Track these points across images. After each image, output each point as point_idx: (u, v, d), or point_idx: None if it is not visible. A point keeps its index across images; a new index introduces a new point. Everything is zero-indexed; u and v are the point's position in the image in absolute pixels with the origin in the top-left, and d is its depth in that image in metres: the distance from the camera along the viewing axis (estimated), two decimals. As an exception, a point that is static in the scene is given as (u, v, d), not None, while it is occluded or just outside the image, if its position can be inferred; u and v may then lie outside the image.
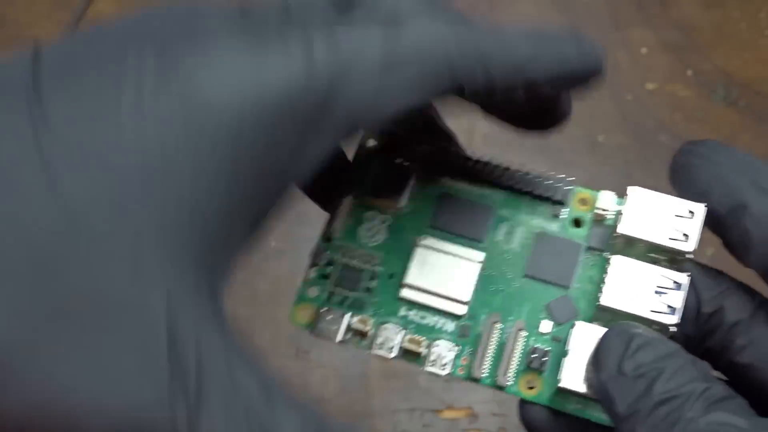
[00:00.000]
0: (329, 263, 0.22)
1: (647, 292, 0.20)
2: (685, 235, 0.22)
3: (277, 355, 0.43)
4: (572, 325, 0.20)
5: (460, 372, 0.22)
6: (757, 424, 0.17)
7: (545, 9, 0.52)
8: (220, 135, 0.14)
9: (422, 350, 0.21)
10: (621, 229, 0.21)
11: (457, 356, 0.22)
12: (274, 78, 0.15)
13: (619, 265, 0.20)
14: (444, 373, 0.22)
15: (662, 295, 0.20)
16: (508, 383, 0.21)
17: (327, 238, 0.22)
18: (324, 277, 0.22)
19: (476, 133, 0.49)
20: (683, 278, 0.21)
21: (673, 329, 0.20)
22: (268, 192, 0.16)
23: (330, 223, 0.22)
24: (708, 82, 0.50)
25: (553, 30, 0.19)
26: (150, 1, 0.53)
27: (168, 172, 0.14)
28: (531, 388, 0.21)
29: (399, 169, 0.23)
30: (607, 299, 0.20)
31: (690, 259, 0.22)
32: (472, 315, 0.21)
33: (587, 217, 0.22)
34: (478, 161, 0.24)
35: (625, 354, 0.18)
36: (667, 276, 0.20)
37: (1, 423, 0.14)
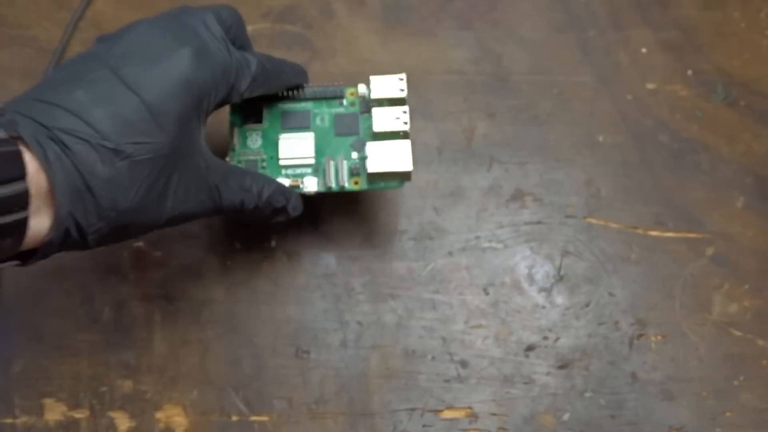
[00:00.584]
0: (238, 162, 0.42)
1: (391, 119, 0.41)
2: (401, 89, 0.42)
3: (277, 355, 0.43)
4: (365, 145, 0.42)
5: (321, 188, 0.41)
6: None
7: (545, 9, 0.52)
8: (190, 85, 0.33)
9: (299, 184, 0.41)
10: (373, 95, 0.42)
11: (318, 182, 0.42)
12: (217, 63, 0.35)
13: (377, 112, 0.41)
14: (313, 191, 0.41)
15: (398, 119, 0.41)
16: (345, 185, 0.41)
17: (232, 149, 0.42)
18: (239, 163, 0.42)
19: (476, 133, 0.49)
20: (405, 109, 0.42)
21: (406, 129, 0.41)
22: (204, 107, 0.35)
23: (231, 141, 0.43)
24: (708, 82, 0.50)
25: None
26: (149, 1, 0.53)
27: (175, 90, 0.33)
28: (356, 183, 0.41)
29: (257, 106, 0.43)
30: (376, 127, 0.41)
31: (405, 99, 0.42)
32: (317, 160, 0.42)
33: (356, 100, 0.43)
34: (295, 92, 0.43)
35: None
36: (401, 111, 0.41)
37: None
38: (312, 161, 0.42)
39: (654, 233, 0.46)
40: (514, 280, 0.45)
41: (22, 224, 0.29)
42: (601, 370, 0.43)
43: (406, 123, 0.41)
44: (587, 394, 0.43)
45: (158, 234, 0.46)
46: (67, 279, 0.45)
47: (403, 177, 0.41)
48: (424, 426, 0.42)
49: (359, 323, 0.44)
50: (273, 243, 0.46)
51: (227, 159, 0.42)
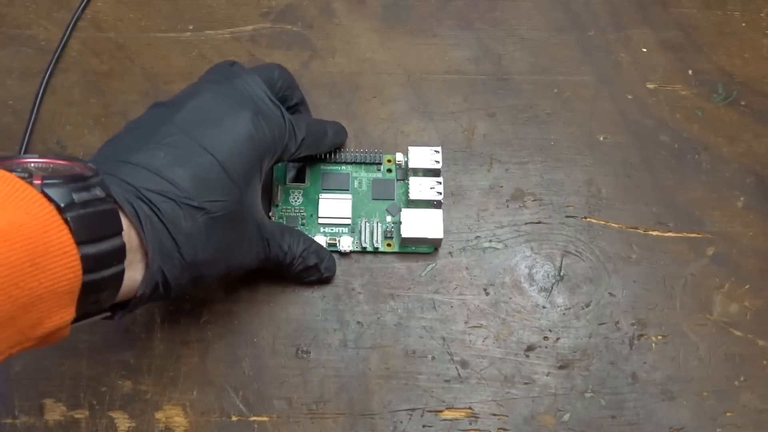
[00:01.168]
0: (280, 217, 0.45)
1: (426, 188, 0.45)
2: (436, 161, 0.45)
3: (277, 355, 0.43)
4: (400, 211, 0.45)
5: (356, 248, 0.45)
6: None
7: (545, 9, 0.52)
8: (254, 144, 0.36)
9: (335, 242, 0.45)
10: (410, 164, 0.45)
11: (353, 242, 0.45)
12: (274, 124, 0.38)
13: (414, 181, 0.45)
14: (348, 250, 0.45)
15: (433, 189, 0.45)
16: (379, 247, 0.45)
17: (275, 205, 0.46)
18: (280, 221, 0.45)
19: (476, 133, 0.49)
20: (440, 180, 0.45)
21: (440, 199, 0.45)
22: (264, 165, 0.38)
23: (274, 198, 0.46)
24: (708, 82, 0.50)
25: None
26: (149, 1, 0.53)
27: (242, 149, 0.36)
28: (389, 245, 0.45)
29: (301, 167, 0.46)
30: (412, 195, 0.45)
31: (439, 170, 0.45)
32: (353, 221, 0.45)
33: (393, 167, 0.47)
34: (336, 154, 0.46)
35: None
36: (435, 181, 0.45)
37: None
38: (349, 222, 0.45)
39: (654, 233, 0.46)
40: (514, 280, 0.45)
41: (119, 277, 0.30)
42: (601, 371, 0.43)
43: (440, 193, 0.44)
44: (587, 395, 0.43)
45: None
46: (66, 279, 0.44)
47: (433, 243, 0.45)
48: (424, 426, 0.42)
49: (359, 323, 0.44)
50: (273, 243, 0.46)
51: (270, 214, 0.45)
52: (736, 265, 0.46)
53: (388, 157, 0.47)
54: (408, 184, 0.45)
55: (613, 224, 0.46)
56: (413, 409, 0.42)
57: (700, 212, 0.47)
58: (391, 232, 0.45)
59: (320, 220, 0.45)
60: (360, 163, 0.46)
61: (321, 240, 0.44)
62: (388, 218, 0.45)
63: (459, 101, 0.49)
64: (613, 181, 0.48)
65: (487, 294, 0.45)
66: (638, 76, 0.50)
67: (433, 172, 0.45)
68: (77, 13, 0.51)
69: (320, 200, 0.45)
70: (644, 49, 0.51)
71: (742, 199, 0.47)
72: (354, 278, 0.45)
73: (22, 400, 0.42)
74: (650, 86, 0.50)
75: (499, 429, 0.42)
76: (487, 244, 0.46)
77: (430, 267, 0.45)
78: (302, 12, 0.52)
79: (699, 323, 0.44)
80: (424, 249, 0.45)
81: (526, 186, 0.47)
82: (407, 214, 0.44)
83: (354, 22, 0.52)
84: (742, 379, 0.43)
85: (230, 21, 0.51)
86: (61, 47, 0.50)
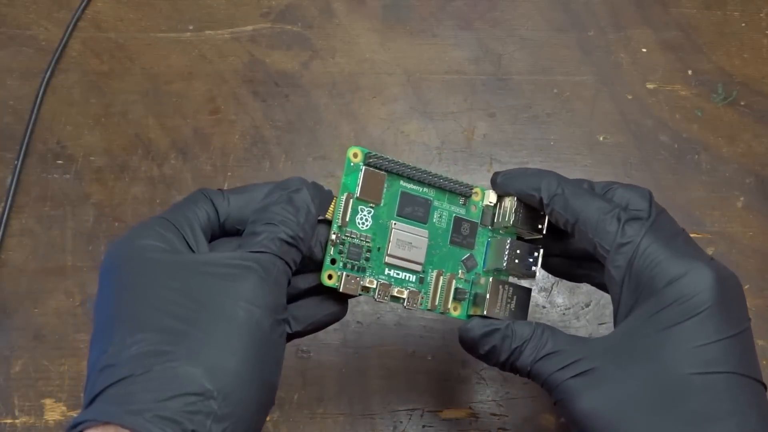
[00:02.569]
0: (342, 242, 0.33)
1: (522, 258, 0.35)
2: (540, 226, 0.36)
3: (277, 355, 0.43)
4: (478, 274, 0.36)
5: (424, 306, 0.35)
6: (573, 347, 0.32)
7: (545, 9, 0.52)
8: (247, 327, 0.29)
9: (403, 296, 0.35)
10: (508, 218, 0.36)
11: (420, 297, 0.35)
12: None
13: (513, 244, 0.35)
14: (414, 308, 0.35)
15: (532, 260, 0.36)
16: (447, 312, 0.35)
17: (337, 223, 0.34)
18: (339, 252, 0.34)
19: (476, 133, 0.49)
20: (540, 251, 0.36)
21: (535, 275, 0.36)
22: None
23: (338, 211, 0.34)
24: (708, 82, 0.50)
25: None
26: (149, 2, 0.53)
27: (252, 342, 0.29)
28: (455, 309, 0.36)
29: (379, 175, 0.35)
30: (507, 264, 0.35)
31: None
32: (423, 270, 0.35)
33: (479, 204, 0.36)
34: (418, 170, 0.35)
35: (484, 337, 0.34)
36: (536, 252, 0.36)
37: None
38: (419, 268, 0.35)
39: (654, 233, 0.46)
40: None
41: None
42: (601, 370, 0.43)
43: (535, 269, 0.35)
44: (587, 394, 0.43)
45: (158, 234, 0.46)
46: (67, 279, 0.45)
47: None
48: (424, 426, 0.42)
49: (359, 323, 0.44)
50: (273, 243, 0.46)
51: (332, 235, 0.33)
52: (736, 265, 0.46)
53: (476, 188, 0.36)
54: (500, 243, 0.36)
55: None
56: (413, 409, 0.42)
57: (699, 212, 0.47)
58: (463, 294, 0.36)
59: (388, 259, 0.34)
60: (445, 190, 0.36)
61: (386, 288, 0.34)
62: (461, 273, 0.36)
63: (459, 101, 0.49)
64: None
65: (487, 294, 0.45)
66: (638, 76, 0.50)
67: (528, 235, 0.36)
68: (77, 13, 0.51)
69: (393, 231, 0.34)
70: (644, 49, 0.51)
71: (741, 199, 0.47)
72: (354, 278, 0.45)
73: (22, 400, 0.42)
74: (650, 86, 0.50)
75: (499, 429, 0.42)
76: (487, 244, 0.46)
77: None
78: (302, 12, 0.52)
79: (699, 323, 0.44)
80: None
81: (526, 186, 0.47)
82: (496, 287, 0.35)
83: (354, 22, 0.52)
84: (741, 379, 0.43)
85: (230, 21, 0.51)
86: (61, 47, 0.50)
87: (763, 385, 0.31)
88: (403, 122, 0.49)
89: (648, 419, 0.29)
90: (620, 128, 0.49)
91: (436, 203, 0.36)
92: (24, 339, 0.43)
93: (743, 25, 0.52)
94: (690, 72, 0.50)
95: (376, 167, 0.34)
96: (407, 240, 0.35)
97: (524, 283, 0.36)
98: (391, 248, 0.34)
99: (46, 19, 0.51)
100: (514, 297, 0.35)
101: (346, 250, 0.34)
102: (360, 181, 0.34)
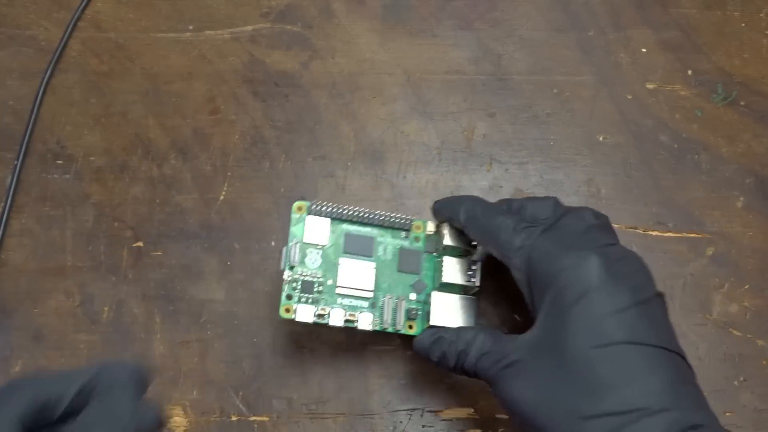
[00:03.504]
0: (294, 280, 0.40)
1: (462, 273, 0.40)
2: (473, 242, 0.40)
3: (277, 355, 0.43)
4: (429, 294, 0.40)
5: (376, 327, 0.40)
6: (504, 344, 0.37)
7: (545, 9, 0.52)
8: None
9: (355, 320, 0.40)
10: (445, 242, 0.40)
11: (372, 320, 0.40)
12: None
13: (448, 262, 0.40)
14: (369, 329, 0.40)
15: (470, 274, 0.40)
16: (401, 329, 0.40)
17: (289, 265, 0.40)
18: (293, 289, 0.40)
19: (476, 133, 0.49)
20: (478, 265, 0.41)
21: (476, 286, 0.40)
22: None
23: (288, 255, 0.40)
24: (708, 82, 0.50)
25: None
26: (149, 2, 0.53)
27: None
28: (410, 327, 0.40)
29: (322, 222, 0.41)
30: (446, 278, 0.40)
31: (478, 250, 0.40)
32: (375, 296, 0.40)
33: (421, 235, 0.42)
34: (359, 211, 0.41)
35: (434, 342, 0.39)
36: (472, 266, 0.41)
37: None
38: (370, 295, 0.40)
39: (654, 233, 0.46)
40: (514, 280, 0.45)
41: None
42: (601, 370, 0.43)
43: (475, 280, 0.40)
44: (587, 394, 0.43)
45: (158, 234, 0.46)
46: (67, 279, 0.45)
47: None
48: (424, 426, 0.42)
49: (359, 323, 0.44)
50: (273, 243, 0.46)
51: (285, 276, 0.40)
52: (736, 265, 0.46)
53: (417, 223, 0.42)
54: (442, 264, 0.40)
55: (612, 224, 0.46)
56: (413, 409, 0.42)
57: (699, 212, 0.47)
58: (415, 313, 0.40)
59: (339, 290, 0.40)
60: (387, 228, 0.41)
61: (339, 314, 0.39)
62: (412, 296, 0.41)
63: (459, 101, 0.49)
64: (612, 182, 0.48)
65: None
66: (638, 76, 0.50)
67: (466, 253, 0.41)
68: (77, 14, 0.51)
69: (340, 265, 0.40)
70: (644, 50, 0.51)
71: (741, 199, 0.47)
72: (354, 278, 0.45)
73: (22, 400, 0.42)
74: (650, 86, 0.50)
75: (498, 429, 0.42)
76: (486, 244, 0.46)
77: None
78: (302, 12, 0.52)
79: (698, 323, 0.44)
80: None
81: (525, 186, 0.47)
82: (439, 299, 0.40)
83: (354, 22, 0.52)
84: (741, 379, 0.43)
85: (230, 21, 0.51)
86: (61, 47, 0.50)
87: (674, 351, 0.33)
88: (402, 122, 0.49)
89: (560, 397, 0.32)
90: (620, 128, 0.49)
91: (379, 239, 0.41)
92: (24, 339, 0.43)
93: (743, 25, 0.52)
94: (690, 72, 0.50)
95: (318, 215, 0.40)
96: (355, 272, 0.40)
97: (468, 294, 0.41)
98: (341, 280, 0.40)
99: (45, 19, 0.51)
100: (460, 307, 0.40)
101: (299, 286, 0.40)
102: (305, 230, 0.40)
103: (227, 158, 0.48)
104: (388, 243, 0.41)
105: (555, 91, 0.50)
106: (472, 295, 0.41)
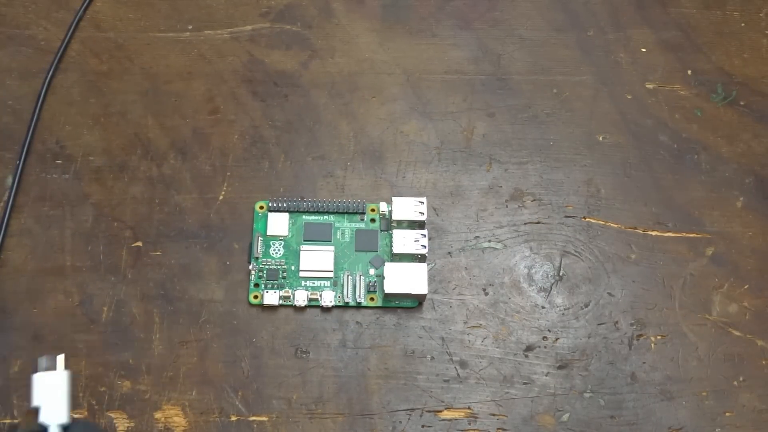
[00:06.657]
0: (260, 270, 0.44)
1: (410, 242, 0.44)
2: (420, 212, 0.44)
3: (276, 355, 0.43)
4: (384, 264, 0.44)
5: (339, 302, 0.44)
6: None
7: (545, 9, 0.52)
8: None
9: (317, 297, 0.43)
10: (394, 216, 0.44)
11: (335, 296, 0.44)
12: None
13: (397, 234, 0.44)
14: (331, 305, 0.43)
15: (417, 242, 0.43)
16: (361, 301, 0.43)
17: (254, 258, 0.44)
18: (260, 277, 0.44)
19: (476, 133, 0.49)
20: (424, 233, 0.44)
21: (424, 253, 0.43)
22: None
23: (253, 249, 0.45)
24: (708, 82, 0.50)
25: None
26: (148, 1, 0.53)
27: None
28: (372, 300, 0.44)
29: (281, 217, 0.45)
30: (396, 249, 0.43)
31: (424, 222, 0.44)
32: (336, 274, 0.44)
33: (377, 217, 0.45)
34: (316, 203, 0.45)
35: None
36: (420, 234, 0.43)
37: None
38: (331, 275, 0.44)
39: (654, 233, 0.46)
40: (513, 280, 0.45)
41: None
42: (600, 371, 0.43)
43: (424, 246, 0.43)
44: (587, 395, 0.43)
45: (157, 234, 0.46)
46: (66, 279, 0.45)
47: (417, 298, 0.44)
48: (423, 426, 0.42)
49: (358, 323, 0.44)
50: (272, 243, 0.46)
51: (250, 267, 0.44)
52: (735, 265, 0.46)
53: (372, 206, 0.45)
54: (392, 236, 0.44)
55: (612, 224, 0.46)
56: (412, 409, 0.42)
57: (699, 212, 0.47)
58: (374, 285, 0.44)
59: (302, 274, 0.44)
60: (343, 213, 0.45)
61: (302, 295, 0.43)
62: (372, 271, 0.44)
63: (458, 101, 0.49)
64: (612, 181, 0.48)
65: (486, 294, 0.45)
66: (637, 76, 0.50)
67: (417, 224, 0.44)
68: (79, 13, 0.51)
69: (302, 252, 0.44)
70: (643, 49, 0.51)
71: (741, 199, 0.47)
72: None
73: (22, 400, 0.42)
74: (649, 86, 0.50)
75: (498, 429, 0.42)
76: (486, 244, 0.46)
77: (429, 267, 0.45)
78: (302, 12, 0.52)
79: (698, 323, 0.44)
80: (408, 303, 0.44)
81: (525, 186, 0.47)
82: (390, 269, 0.43)
83: (353, 22, 0.52)
84: (741, 379, 0.43)
85: (229, 21, 0.51)
86: (61, 47, 0.50)
87: None
88: (402, 122, 0.49)
89: None
90: (620, 128, 0.49)
91: (337, 224, 0.45)
92: (23, 339, 0.43)
93: (743, 25, 0.52)
94: (689, 72, 0.50)
95: (278, 211, 0.45)
96: (315, 256, 0.44)
97: (419, 261, 0.44)
98: (303, 265, 0.44)
99: (45, 19, 0.51)
100: (411, 274, 0.43)
101: (264, 275, 0.44)
102: (267, 225, 0.45)
103: (226, 158, 0.48)
104: (345, 227, 0.45)
105: (555, 90, 0.50)
106: (422, 261, 0.44)
